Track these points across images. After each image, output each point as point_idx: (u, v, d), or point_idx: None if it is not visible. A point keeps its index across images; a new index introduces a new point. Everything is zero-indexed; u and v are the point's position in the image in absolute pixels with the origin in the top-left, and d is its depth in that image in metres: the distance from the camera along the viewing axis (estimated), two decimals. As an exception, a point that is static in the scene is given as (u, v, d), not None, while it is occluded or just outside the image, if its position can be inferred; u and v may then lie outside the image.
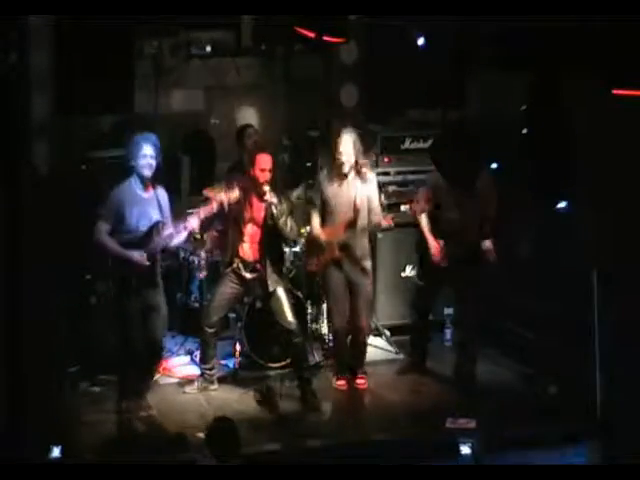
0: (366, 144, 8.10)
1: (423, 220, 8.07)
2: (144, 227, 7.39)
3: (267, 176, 7.64)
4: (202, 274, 8.63)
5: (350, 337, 8.27)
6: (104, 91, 7.79)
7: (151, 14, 7.34)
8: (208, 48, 10.01)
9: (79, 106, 7.75)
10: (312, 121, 10.06)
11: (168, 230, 7.42)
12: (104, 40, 7.60)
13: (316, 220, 8.05)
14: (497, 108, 8.84)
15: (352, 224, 7.90)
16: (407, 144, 9.14)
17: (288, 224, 7.69)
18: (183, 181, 9.93)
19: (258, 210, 7.76)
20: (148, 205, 7.41)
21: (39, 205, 6.80)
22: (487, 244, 7.93)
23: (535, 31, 7.09)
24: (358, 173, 7.90)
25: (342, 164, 7.85)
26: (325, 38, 8.22)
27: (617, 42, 6.39)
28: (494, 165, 8.21)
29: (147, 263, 7.32)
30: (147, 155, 7.37)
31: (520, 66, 7.90)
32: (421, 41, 8.27)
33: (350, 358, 8.26)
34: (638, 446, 6.72)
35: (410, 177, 9.05)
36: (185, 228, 7.44)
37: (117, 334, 7.54)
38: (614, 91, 6.42)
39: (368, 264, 8.06)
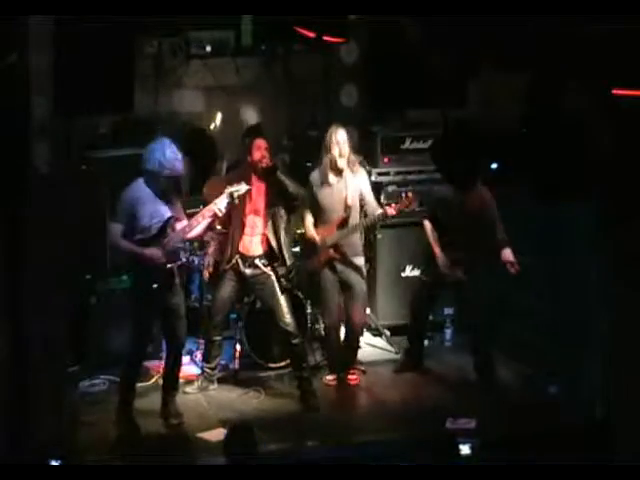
0: (355, 141, 8.15)
1: (428, 228, 8.08)
2: (158, 224, 7.30)
3: (264, 153, 7.71)
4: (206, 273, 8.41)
5: (344, 336, 8.28)
6: (104, 91, 7.79)
7: (151, 14, 7.34)
8: (208, 48, 10.01)
9: (79, 106, 7.75)
10: (312, 121, 10.06)
11: (182, 223, 7.39)
12: (104, 40, 7.60)
13: (309, 220, 8.08)
14: (497, 108, 8.84)
15: (344, 223, 7.94)
16: (407, 144, 9.14)
17: (291, 182, 7.72)
18: (183, 181, 9.92)
19: (259, 199, 7.78)
20: (160, 202, 7.34)
21: (39, 205, 6.79)
22: (506, 253, 7.76)
23: (535, 31, 7.08)
24: (350, 169, 7.93)
25: (339, 159, 7.85)
26: (325, 38, 8.24)
27: (618, 42, 6.39)
28: (494, 165, 8.21)
29: (163, 260, 7.27)
30: (175, 170, 7.30)
31: (520, 66, 7.89)
32: (421, 41, 8.28)
33: (343, 356, 8.26)
34: (638, 446, 6.71)
35: (410, 177, 9.04)
36: (203, 217, 7.37)
37: (132, 336, 7.51)
38: (614, 91, 6.42)
39: (361, 261, 8.08)
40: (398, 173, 9.02)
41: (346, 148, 7.90)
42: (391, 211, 7.88)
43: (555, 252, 8.13)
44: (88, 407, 7.70)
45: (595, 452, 6.79)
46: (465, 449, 6.57)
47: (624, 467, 6.35)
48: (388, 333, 8.96)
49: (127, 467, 6.50)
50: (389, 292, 9.09)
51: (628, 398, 7.19)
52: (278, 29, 9.66)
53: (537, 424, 7.38)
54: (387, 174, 8.98)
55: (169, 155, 7.23)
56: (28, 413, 6.61)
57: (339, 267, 8.03)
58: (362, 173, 8.05)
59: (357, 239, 8.07)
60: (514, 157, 8.25)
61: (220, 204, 7.32)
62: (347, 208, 7.93)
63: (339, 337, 8.31)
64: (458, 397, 7.91)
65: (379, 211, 7.94)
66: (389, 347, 8.87)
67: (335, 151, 7.88)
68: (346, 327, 8.24)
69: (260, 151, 7.70)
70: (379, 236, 8.91)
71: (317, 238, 8.01)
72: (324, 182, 7.97)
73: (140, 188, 7.32)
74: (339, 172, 7.93)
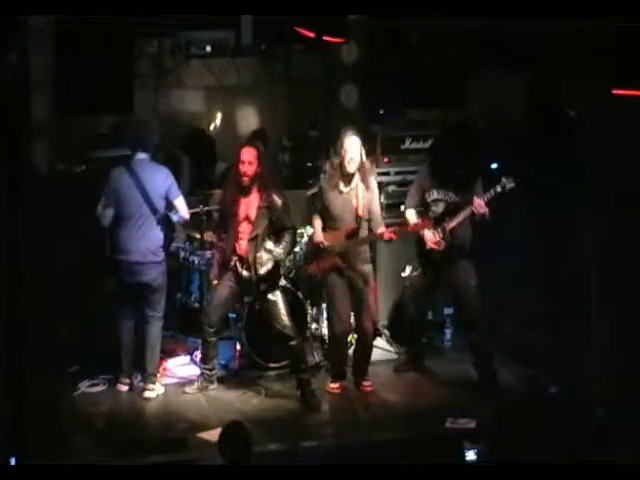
0: (367, 146, 7.99)
1: (411, 216, 8.06)
2: None
3: (247, 169, 7.61)
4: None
5: (354, 345, 8.25)
6: (104, 91, 7.79)
7: (151, 14, 7.35)
8: (208, 48, 10.02)
9: (79, 106, 7.76)
10: (312, 121, 10.06)
11: None
12: (104, 40, 7.61)
13: (318, 225, 8.00)
14: (497, 108, 8.84)
15: (354, 233, 7.88)
16: (407, 144, 9.12)
17: (276, 256, 7.70)
18: (183, 181, 9.92)
19: (247, 206, 7.74)
20: None
21: (39, 205, 6.80)
22: (477, 204, 7.74)
23: (535, 31, 7.09)
24: (362, 179, 7.82)
25: (349, 163, 7.73)
26: (325, 38, 8.24)
27: (617, 42, 6.39)
28: (494, 165, 8.21)
29: None
30: None
31: (520, 66, 7.90)
32: (421, 41, 8.28)
33: (353, 367, 8.20)
34: (638, 446, 6.71)
35: (410, 177, 9.01)
36: None
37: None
38: (614, 91, 6.42)
39: (369, 269, 8.02)
40: (398, 173, 9.02)
41: (357, 154, 7.76)
42: (387, 236, 7.83)
43: (555, 252, 8.13)
44: (88, 407, 7.70)
45: (595, 452, 6.79)
46: (470, 455, 6.55)
47: (624, 467, 6.35)
48: (388, 333, 8.96)
49: (127, 467, 6.50)
50: (389, 292, 9.07)
51: (628, 398, 7.19)
52: (278, 29, 9.67)
53: (537, 424, 7.38)
54: (387, 174, 8.97)
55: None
56: (28, 413, 6.61)
57: (347, 274, 7.92)
58: (374, 185, 7.92)
59: (366, 248, 8.01)
60: (514, 157, 8.24)
61: None
62: (358, 219, 7.84)
63: (347, 345, 8.24)
64: (458, 397, 7.90)
65: (381, 230, 7.86)
66: (389, 347, 8.85)
67: (346, 158, 7.73)
68: (356, 337, 8.16)
69: (243, 165, 7.61)
70: (379, 236, 8.90)
71: (325, 244, 7.91)
72: (334, 188, 7.86)
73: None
74: (349, 178, 7.81)
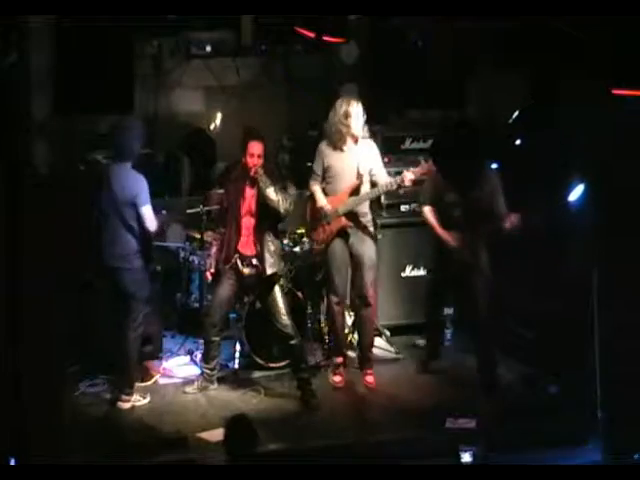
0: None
1: (428, 215, 8.05)
2: None
3: (257, 161, 7.62)
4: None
5: (356, 315, 8.22)
6: (104, 91, 7.80)
7: (151, 14, 7.35)
8: (208, 48, 10.02)
9: (79, 106, 7.76)
10: (312, 121, 10.05)
11: None
12: (104, 40, 7.62)
13: (319, 191, 7.99)
14: (497, 108, 8.84)
15: (356, 191, 7.89)
16: (407, 144, 9.13)
17: (277, 195, 7.59)
18: (183, 181, 9.93)
19: (252, 201, 7.75)
20: None
21: (39, 205, 6.79)
22: (512, 220, 7.66)
23: (535, 31, 7.10)
24: (363, 139, 7.87)
25: (355, 124, 7.78)
26: (325, 38, 8.24)
27: (617, 42, 6.39)
28: (494, 165, 8.21)
29: None
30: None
31: (520, 66, 7.91)
32: (421, 41, 8.29)
33: (357, 344, 8.21)
34: (638, 446, 6.72)
35: (410, 177, 9.04)
36: None
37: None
38: (614, 91, 6.43)
39: (372, 230, 8.02)
40: (398, 173, 9.00)
41: (361, 115, 7.80)
42: (410, 176, 7.77)
43: (555, 252, 8.13)
44: (88, 407, 7.70)
45: (594, 451, 6.80)
46: (466, 457, 6.55)
47: (624, 467, 6.35)
48: (388, 333, 8.95)
49: (126, 467, 6.50)
50: (389, 292, 9.08)
51: (628, 398, 7.19)
52: (278, 29, 9.68)
53: (537, 423, 7.38)
54: (387, 174, 8.96)
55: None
56: (27, 413, 6.61)
57: (351, 238, 7.92)
58: (371, 143, 7.98)
59: (367, 209, 8.00)
60: (514, 156, 8.25)
61: None
62: (359, 175, 7.85)
63: (344, 315, 8.24)
64: (458, 397, 7.90)
65: (389, 179, 7.86)
66: (389, 347, 8.86)
67: (353, 122, 7.78)
68: (357, 304, 8.11)
69: (252, 158, 7.62)
70: (379, 236, 8.89)
71: (329, 207, 7.90)
72: (335, 151, 7.89)
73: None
74: (353, 138, 7.84)
